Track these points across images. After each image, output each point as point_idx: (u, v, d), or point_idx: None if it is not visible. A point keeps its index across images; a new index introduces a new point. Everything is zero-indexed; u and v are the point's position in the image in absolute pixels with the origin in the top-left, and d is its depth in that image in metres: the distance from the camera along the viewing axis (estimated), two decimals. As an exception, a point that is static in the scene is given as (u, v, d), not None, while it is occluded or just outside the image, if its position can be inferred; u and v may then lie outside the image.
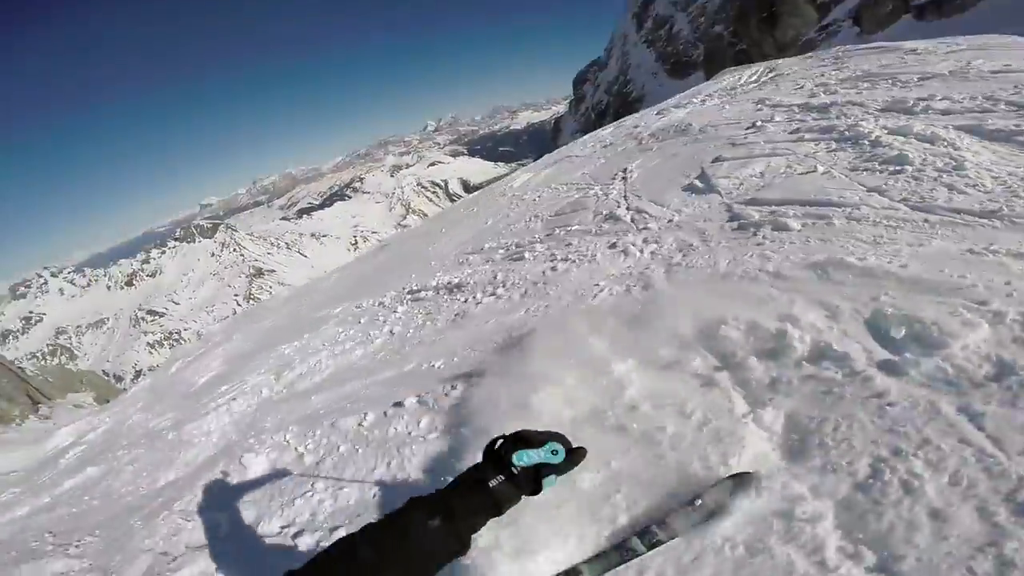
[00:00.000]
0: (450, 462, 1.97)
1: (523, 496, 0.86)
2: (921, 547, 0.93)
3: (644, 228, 3.85)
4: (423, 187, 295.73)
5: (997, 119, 3.17)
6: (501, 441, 0.89)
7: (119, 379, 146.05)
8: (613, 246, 3.77)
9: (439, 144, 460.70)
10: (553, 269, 3.94)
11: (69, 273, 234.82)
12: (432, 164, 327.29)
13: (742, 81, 10.30)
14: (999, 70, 4.30)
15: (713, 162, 4.59)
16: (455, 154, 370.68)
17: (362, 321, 5.08)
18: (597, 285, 3.13)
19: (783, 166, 3.70)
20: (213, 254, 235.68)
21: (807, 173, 3.36)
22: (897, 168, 2.91)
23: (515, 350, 2.51)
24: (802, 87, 6.47)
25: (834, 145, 3.65)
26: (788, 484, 1.16)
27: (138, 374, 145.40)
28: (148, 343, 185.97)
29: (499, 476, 0.84)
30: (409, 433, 2.42)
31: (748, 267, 2.38)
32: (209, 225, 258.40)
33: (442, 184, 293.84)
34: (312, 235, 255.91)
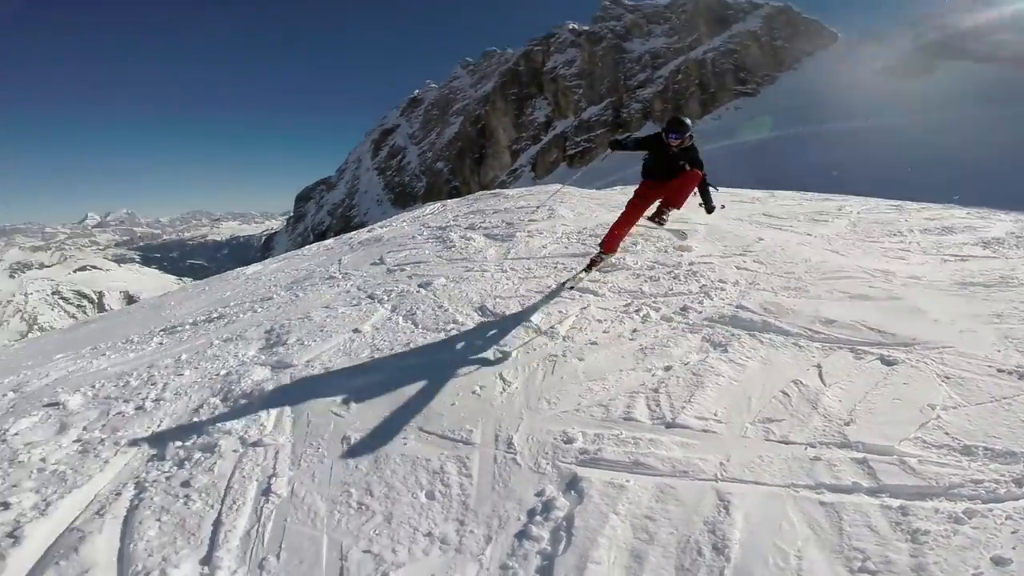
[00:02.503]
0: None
1: None
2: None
3: (347, 278, 7.37)
4: (62, 297, 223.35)
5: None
6: None
7: None
8: (331, 285, 7.11)
9: (99, 244, 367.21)
10: (294, 298, 6.94)
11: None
12: (83, 268, 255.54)
13: (425, 213, 15.47)
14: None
15: (388, 252, 8.62)
16: (121, 260, 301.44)
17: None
18: (327, 307, 6.40)
19: (415, 251, 7.97)
20: None
21: (416, 250, 7.65)
22: (449, 244, 7.41)
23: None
24: (447, 217, 11.50)
25: (433, 241, 8.20)
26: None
27: None
28: None
29: None
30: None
31: (388, 281, 6.18)
32: None
33: (93, 296, 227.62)
34: None
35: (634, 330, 4.35)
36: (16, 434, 4.30)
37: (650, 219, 4.95)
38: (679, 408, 3.19)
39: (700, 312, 4.55)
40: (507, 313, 4.92)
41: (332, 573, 2.45)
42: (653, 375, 3.62)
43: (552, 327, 4.45)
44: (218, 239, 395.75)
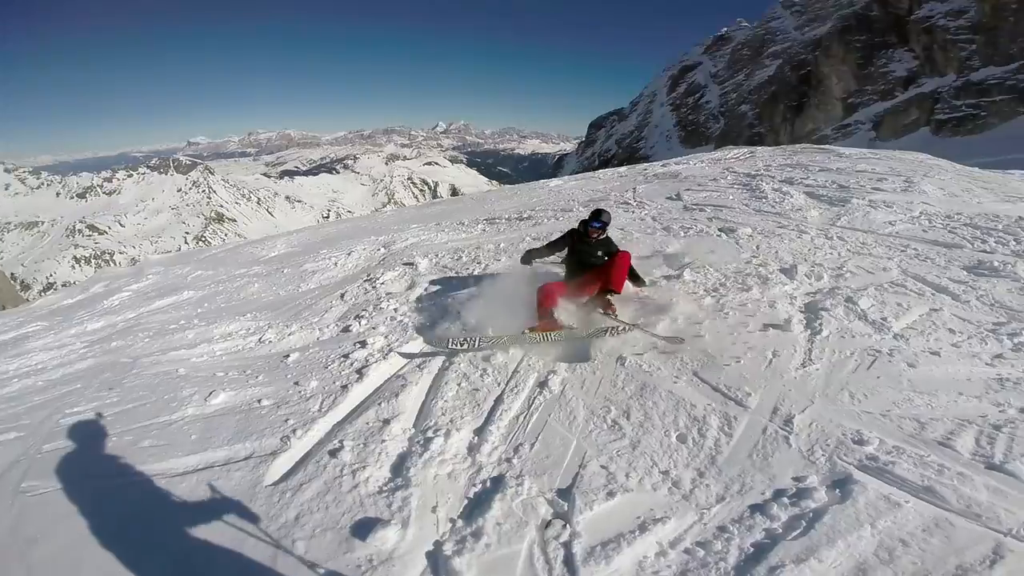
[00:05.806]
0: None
1: None
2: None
3: (641, 207, 7.55)
4: (412, 183, 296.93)
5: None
6: None
7: (27, 287, 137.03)
8: (626, 210, 7.44)
9: (442, 147, 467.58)
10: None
11: (24, 172, 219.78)
12: (428, 163, 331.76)
13: (729, 156, 14.10)
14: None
15: (685, 190, 8.39)
16: (454, 160, 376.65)
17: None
18: (621, 229, 6.78)
19: (716, 193, 7.54)
20: (180, 189, 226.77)
21: (717, 193, 7.19)
22: (759, 194, 6.74)
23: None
24: (757, 166, 10.38)
25: (738, 188, 7.56)
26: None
27: (49, 286, 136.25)
28: (75, 257, 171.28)
29: None
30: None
31: (685, 218, 6.09)
32: (188, 162, 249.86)
33: (432, 185, 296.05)
34: (287, 197, 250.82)
35: (998, 356, 3.25)
36: (383, 283, 5.92)
37: (604, 313, 4.19)
38: (1018, 455, 2.42)
39: None
40: (822, 285, 4.29)
41: (568, 475, 2.67)
42: (1002, 412, 2.73)
43: (883, 318, 3.68)
44: (522, 153, 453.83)
